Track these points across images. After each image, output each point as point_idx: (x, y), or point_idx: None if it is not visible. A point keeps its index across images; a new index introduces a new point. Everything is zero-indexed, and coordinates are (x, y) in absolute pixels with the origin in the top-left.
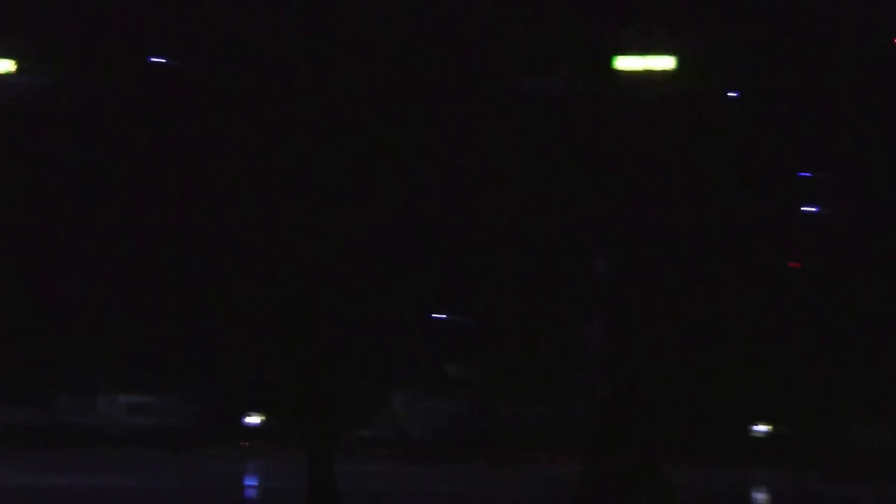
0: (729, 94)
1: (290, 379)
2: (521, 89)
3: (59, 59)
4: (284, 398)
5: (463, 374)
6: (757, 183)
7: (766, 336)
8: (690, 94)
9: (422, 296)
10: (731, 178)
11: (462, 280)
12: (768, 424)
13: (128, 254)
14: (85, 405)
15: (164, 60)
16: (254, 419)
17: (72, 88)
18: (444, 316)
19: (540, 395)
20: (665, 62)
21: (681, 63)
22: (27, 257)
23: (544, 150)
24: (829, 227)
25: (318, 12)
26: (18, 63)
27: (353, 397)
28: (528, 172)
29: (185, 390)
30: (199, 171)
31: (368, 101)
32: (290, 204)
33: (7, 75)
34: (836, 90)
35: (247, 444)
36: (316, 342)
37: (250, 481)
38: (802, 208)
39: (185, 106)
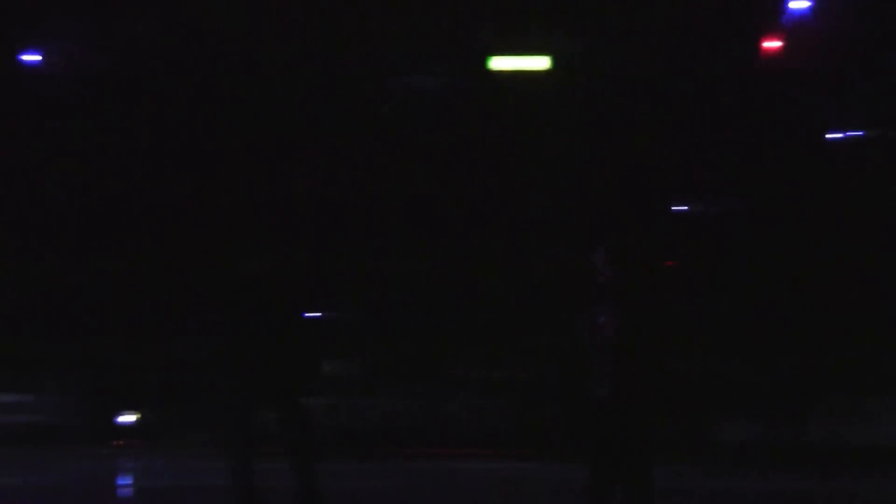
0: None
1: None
2: (400, 88)
3: None
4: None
5: (339, 370)
6: (630, 179)
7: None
8: (564, 94)
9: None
10: (605, 175)
11: (336, 276)
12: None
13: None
14: None
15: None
16: (128, 418)
17: None
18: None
19: (415, 390)
20: (540, 62)
21: (555, 63)
22: None
23: (420, 146)
24: (697, 224)
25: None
26: None
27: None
28: (407, 168)
29: (61, 389)
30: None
31: (249, 101)
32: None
33: None
34: (708, 89)
35: (121, 442)
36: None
37: (123, 480)
38: (673, 207)
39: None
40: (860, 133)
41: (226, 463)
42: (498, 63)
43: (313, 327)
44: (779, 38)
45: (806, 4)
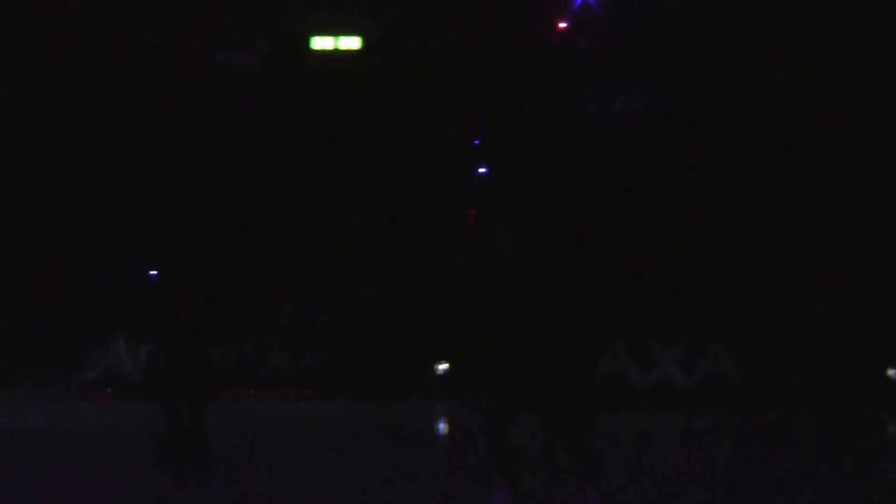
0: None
1: None
2: (219, 65)
3: None
4: None
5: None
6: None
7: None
8: (375, 72)
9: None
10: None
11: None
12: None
13: None
14: None
15: None
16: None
17: None
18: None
19: (244, 335)
20: (352, 42)
21: (366, 43)
22: None
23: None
24: None
25: None
26: None
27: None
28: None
29: None
30: None
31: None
32: None
33: None
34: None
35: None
36: None
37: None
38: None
39: None
40: None
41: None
42: (316, 42)
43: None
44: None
45: None
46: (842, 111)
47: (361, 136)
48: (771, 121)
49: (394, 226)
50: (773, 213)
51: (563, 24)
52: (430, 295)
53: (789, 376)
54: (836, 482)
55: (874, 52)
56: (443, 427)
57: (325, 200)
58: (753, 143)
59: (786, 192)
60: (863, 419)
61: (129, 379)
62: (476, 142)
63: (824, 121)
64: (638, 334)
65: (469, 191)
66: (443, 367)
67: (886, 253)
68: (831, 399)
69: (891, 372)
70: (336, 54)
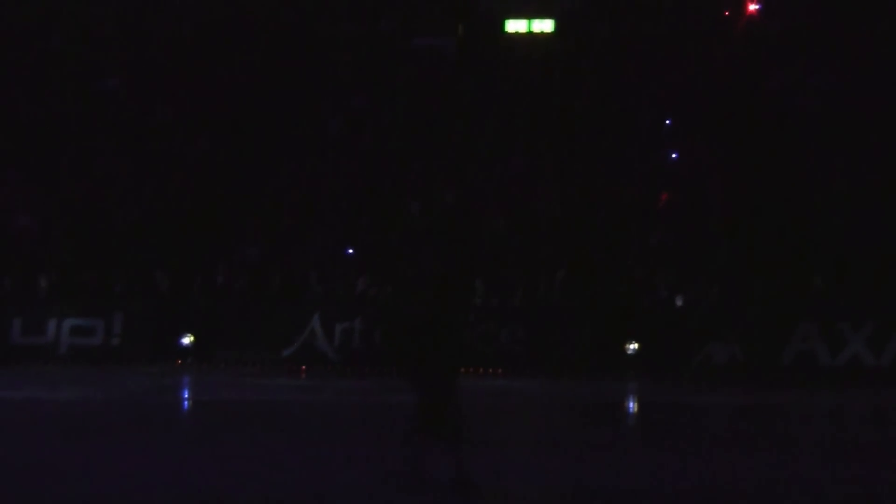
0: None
1: None
2: (417, 49)
3: None
4: None
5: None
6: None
7: (633, 266)
8: (567, 55)
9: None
10: (604, 133)
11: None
12: (637, 343)
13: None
14: (35, 328)
15: None
16: (187, 339)
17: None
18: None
19: None
20: (545, 24)
21: (559, 25)
22: None
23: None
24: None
25: None
26: None
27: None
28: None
29: (126, 314)
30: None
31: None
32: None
33: None
34: (699, 50)
35: (180, 361)
36: None
37: (184, 393)
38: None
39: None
40: None
41: None
42: (510, 25)
43: None
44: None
45: None
46: None
47: (554, 117)
48: None
49: (586, 207)
50: None
51: (753, 7)
52: (622, 275)
53: None
54: None
55: None
56: (632, 404)
57: (519, 181)
58: None
59: None
60: None
61: (324, 356)
62: (668, 122)
63: None
64: (828, 315)
65: (662, 173)
66: (633, 346)
67: None
68: None
69: None
70: (529, 37)
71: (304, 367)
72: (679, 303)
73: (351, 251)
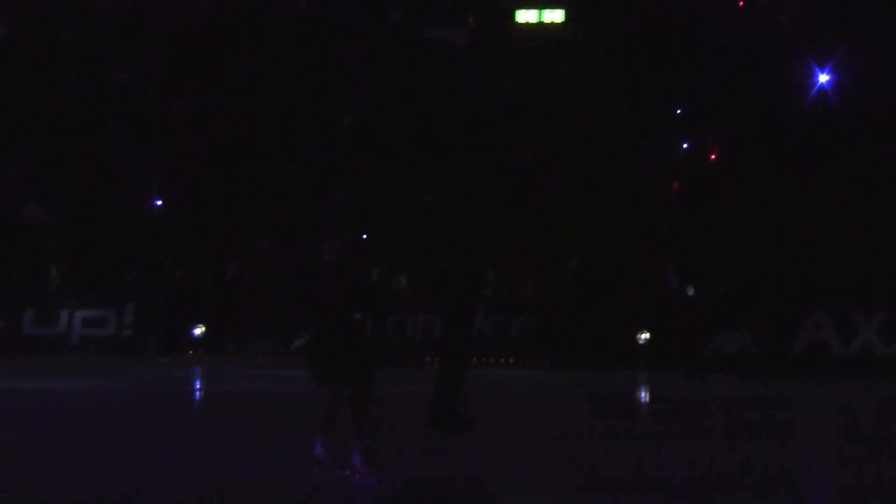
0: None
1: None
2: (426, 39)
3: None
4: None
5: (386, 287)
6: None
7: (645, 256)
8: (578, 45)
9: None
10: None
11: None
12: (648, 333)
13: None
14: (47, 318)
15: None
16: (198, 330)
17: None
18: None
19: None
20: (555, 15)
21: (569, 15)
22: None
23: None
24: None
25: None
26: None
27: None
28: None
29: (138, 305)
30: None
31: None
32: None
33: None
34: (713, 38)
35: (191, 352)
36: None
37: (196, 383)
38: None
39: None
40: None
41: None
42: (521, 16)
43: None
44: None
45: None
46: None
47: (565, 107)
48: None
49: (597, 196)
50: None
51: None
52: (633, 265)
53: None
54: None
55: None
56: (643, 395)
57: (529, 171)
58: None
59: None
60: None
61: None
62: (679, 112)
63: None
64: (840, 304)
65: (672, 163)
66: (644, 336)
67: None
68: None
69: None
70: (540, 27)
71: None
72: (690, 293)
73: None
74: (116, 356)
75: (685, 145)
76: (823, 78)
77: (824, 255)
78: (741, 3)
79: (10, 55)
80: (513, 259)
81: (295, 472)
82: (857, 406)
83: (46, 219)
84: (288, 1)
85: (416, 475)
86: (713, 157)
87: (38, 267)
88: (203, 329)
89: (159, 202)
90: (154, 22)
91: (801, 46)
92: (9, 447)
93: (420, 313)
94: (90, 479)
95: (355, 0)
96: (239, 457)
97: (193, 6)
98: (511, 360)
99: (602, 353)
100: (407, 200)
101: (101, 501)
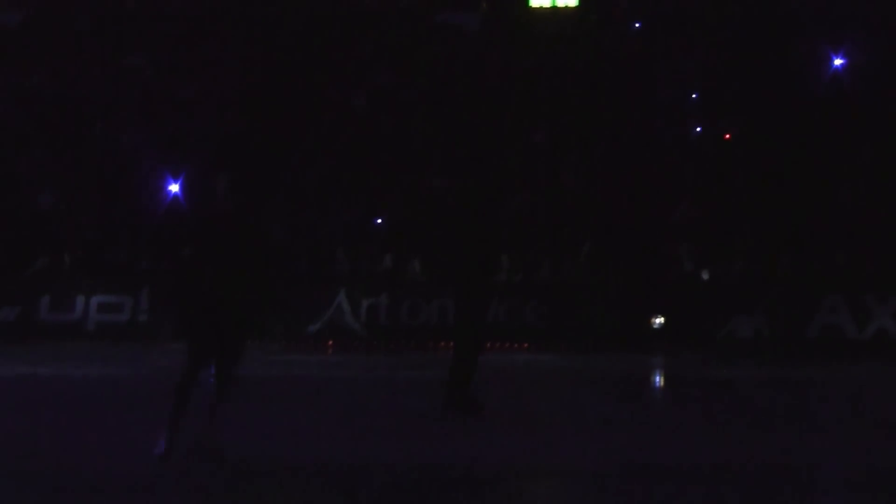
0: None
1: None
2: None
3: None
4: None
5: (400, 272)
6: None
7: (659, 240)
8: (591, 29)
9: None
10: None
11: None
12: (662, 317)
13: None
14: (63, 305)
15: None
16: None
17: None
18: (379, 220)
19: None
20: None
21: (583, 0)
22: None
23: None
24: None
25: None
26: None
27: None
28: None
29: (153, 290)
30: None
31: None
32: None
33: None
34: (731, 24)
35: None
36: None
37: (211, 369)
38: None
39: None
40: None
41: None
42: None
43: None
44: None
45: None
46: None
47: (579, 92)
48: None
49: (611, 181)
50: None
51: None
52: (647, 249)
53: None
54: None
55: None
56: (659, 379)
57: (543, 155)
58: None
59: None
60: None
61: (350, 332)
62: (694, 95)
63: None
64: (854, 287)
65: (685, 147)
66: (658, 320)
67: None
68: None
69: None
70: (553, 11)
71: (330, 342)
72: (704, 276)
73: (379, 221)
74: (132, 342)
75: (699, 129)
76: (839, 61)
77: (839, 238)
78: None
79: (25, 41)
80: (528, 243)
81: (310, 450)
82: (872, 389)
83: (61, 205)
84: None
85: (429, 459)
86: (727, 137)
87: (53, 253)
88: None
89: (174, 187)
90: (170, 5)
91: (819, 26)
92: (27, 433)
93: (434, 298)
94: (104, 462)
95: None
96: (253, 439)
97: None
98: (525, 345)
99: (617, 338)
100: (420, 185)
101: (120, 488)
